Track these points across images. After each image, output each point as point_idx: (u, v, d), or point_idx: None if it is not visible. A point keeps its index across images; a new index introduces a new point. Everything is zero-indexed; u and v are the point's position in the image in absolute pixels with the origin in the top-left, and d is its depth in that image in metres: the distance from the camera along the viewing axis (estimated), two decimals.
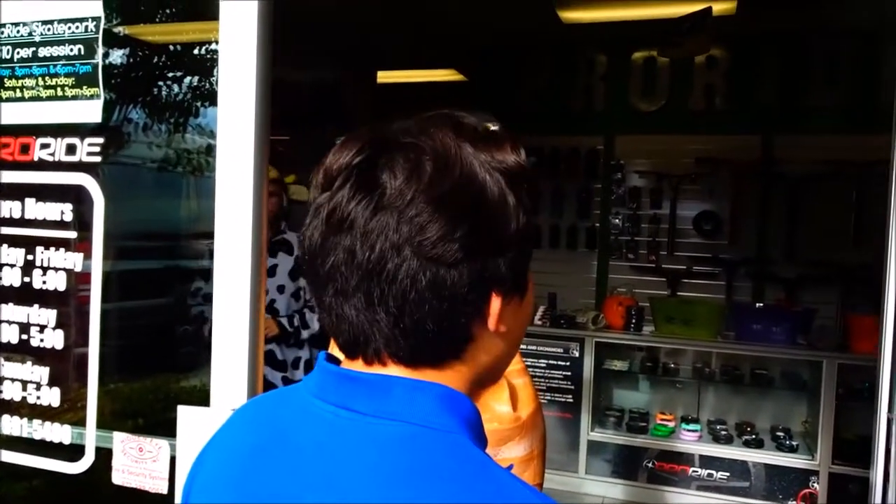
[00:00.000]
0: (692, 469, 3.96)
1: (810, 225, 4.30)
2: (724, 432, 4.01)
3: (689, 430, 4.03)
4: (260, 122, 1.35)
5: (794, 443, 3.89)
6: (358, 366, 0.63)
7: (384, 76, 5.19)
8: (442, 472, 0.55)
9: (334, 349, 0.69)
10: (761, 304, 4.20)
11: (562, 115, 4.77)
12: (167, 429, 1.40)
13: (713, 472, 3.93)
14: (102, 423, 1.47)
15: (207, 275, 3.32)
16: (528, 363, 4.08)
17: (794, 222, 4.34)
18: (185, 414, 1.27)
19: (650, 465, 4.03)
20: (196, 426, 1.30)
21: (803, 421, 4.13)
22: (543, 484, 1.60)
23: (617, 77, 4.68)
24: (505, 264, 0.61)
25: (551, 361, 4.17)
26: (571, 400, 4.10)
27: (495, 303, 0.61)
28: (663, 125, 4.57)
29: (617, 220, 4.71)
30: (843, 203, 4.21)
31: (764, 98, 4.40)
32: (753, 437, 3.96)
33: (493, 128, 1.45)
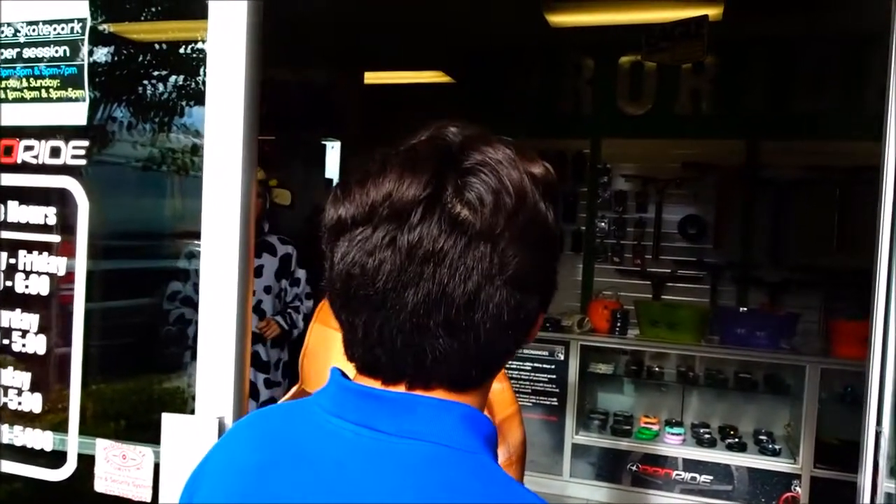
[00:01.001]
0: (676, 472, 3.98)
1: (795, 230, 4.34)
2: (707, 436, 4.03)
3: (673, 434, 4.05)
4: (248, 123, 1.33)
5: (777, 446, 3.91)
6: (395, 389, 0.62)
7: (372, 77, 5.18)
8: (467, 493, 0.56)
9: (342, 365, 0.67)
10: (745, 309, 4.23)
11: (549, 119, 4.78)
12: (150, 431, 1.37)
13: (696, 475, 3.94)
14: (84, 426, 1.44)
15: (193, 276, 3.30)
16: (514, 366, 4.08)
17: (779, 227, 4.38)
18: (170, 422, 1.24)
19: (634, 468, 4.04)
20: (181, 434, 1.28)
21: (786, 425, 4.17)
22: None
23: (604, 81, 4.69)
24: (553, 286, 0.65)
25: (536, 364, 4.17)
26: (556, 403, 4.11)
27: (540, 320, 0.65)
28: (650, 129, 4.59)
29: (603, 224, 4.72)
30: (827, 208, 4.25)
31: (750, 103, 4.44)
32: (737, 440, 3.99)
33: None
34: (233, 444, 0.70)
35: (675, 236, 4.58)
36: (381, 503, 0.56)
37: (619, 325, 4.19)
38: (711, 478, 3.92)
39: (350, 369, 0.66)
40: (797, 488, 3.77)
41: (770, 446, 3.91)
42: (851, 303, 4.14)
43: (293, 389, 1.40)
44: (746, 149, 4.44)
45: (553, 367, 4.16)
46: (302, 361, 1.40)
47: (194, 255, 3.23)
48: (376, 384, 0.62)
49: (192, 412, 1.33)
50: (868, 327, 3.81)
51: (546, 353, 4.16)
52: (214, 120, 1.32)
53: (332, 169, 5.64)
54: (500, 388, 1.53)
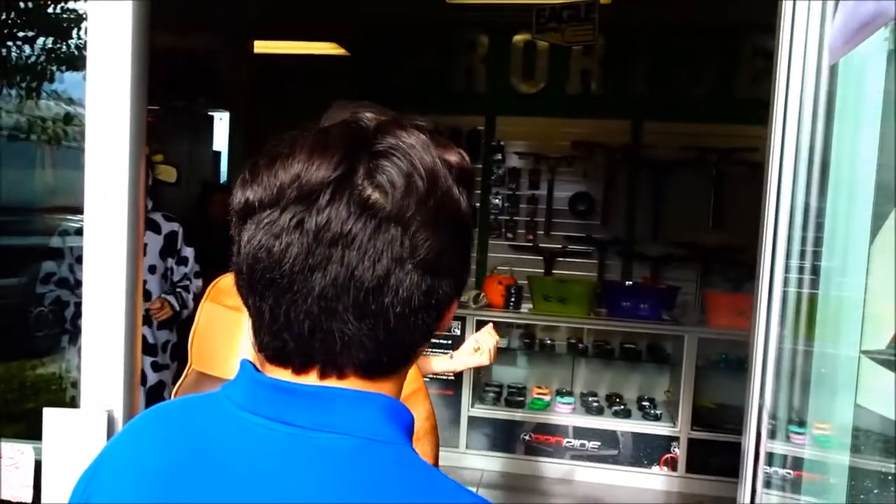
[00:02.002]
0: (566, 440, 4.14)
1: (675, 208, 4.58)
2: (595, 404, 4.22)
3: (563, 403, 4.21)
4: (136, 91, 1.23)
5: (658, 412, 4.16)
6: (307, 380, 0.60)
7: (262, 46, 4.98)
8: (392, 487, 0.55)
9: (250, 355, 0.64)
10: (630, 283, 4.44)
11: (444, 95, 4.78)
12: (25, 421, 1.26)
13: (585, 441, 4.13)
14: None
15: (69, 255, 3.07)
16: None
17: (661, 205, 4.61)
18: (53, 417, 1.15)
19: (527, 437, 4.17)
20: (66, 431, 1.19)
21: (666, 391, 4.43)
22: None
23: (498, 59, 4.74)
24: (467, 272, 0.64)
25: (433, 339, 4.19)
26: (453, 377, 4.16)
27: (453, 307, 0.63)
28: (542, 108, 4.69)
29: (497, 201, 4.80)
30: (704, 188, 4.52)
31: (634, 85, 4.62)
32: (622, 407, 4.20)
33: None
34: (134, 442, 0.65)
35: (566, 213, 4.73)
36: (302, 502, 0.54)
37: (513, 299, 4.29)
38: (599, 443, 4.11)
39: (255, 358, 0.63)
40: (676, 450, 4.03)
41: (652, 412, 4.15)
42: (725, 277, 4.44)
43: (186, 372, 1.33)
44: (631, 129, 4.63)
45: (450, 342, 4.20)
46: (192, 341, 1.33)
47: (68, 233, 3.03)
48: (286, 373, 0.60)
49: (73, 400, 1.24)
50: (739, 300, 4.08)
51: None
52: (99, 86, 1.22)
53: (221, 141, 5.40)
54: None
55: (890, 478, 1.36)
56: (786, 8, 1.29)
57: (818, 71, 1.28)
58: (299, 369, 0.60)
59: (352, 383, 0.59)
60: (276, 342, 0.60)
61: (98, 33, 1.23)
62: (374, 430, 0.58)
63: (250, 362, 0.63)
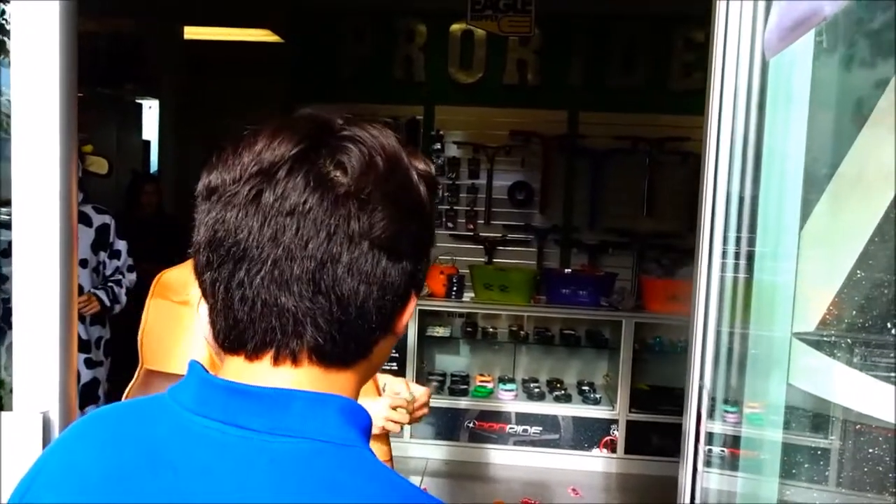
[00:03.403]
0: (509, 426, 4.20)
1: (610, 196, 4.69)
2: (537, 390, 4.29)
3: (506, 390, 4.26)
4: (66, 75, 1.18)
5: (598, 395, 4.26)
6: (261, 366, 0.59)
7: (192, 32, 4.82)
8: (351, 491, 0.54)
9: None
10: (569, 270, 4.52)
11: (382, 84, 4.75)
12: None
13: (528, 427, 4.20)
14: None
15: None
16: None
17: (596, 193, 4.70)
18: None
19: (470, 425, 4.21)
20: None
21: (605, 375, 4.54)
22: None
23: (436, 48, 4.73)
24: (425, 268, 0.64)
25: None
26: (396, 367, 4.16)
27: (413, 303, 0.63)
28: (480, 97, 4.71)
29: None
30: (638, 177, 4.63)
31: (570, 76, 4.69)
32: (563, 392, 4.29)
33: None
34: (75, 448, 0.62)
35: (505, 202, 4.77)
36: (259, 503, 0.53)
37: (455, 289, 4.31)
38: (541, 428, 4.19)
39: (207, 356, 0.62)
40: (615, 432, 4.14)
41: (591, 395, 4.25)
42: (659, 263, 4.58)
43: (138, 373, 1.30)
44: (568, 119, 4.71)
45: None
46: (141, 339, 1.30)
47: None
48: (240, 360, 0.59)
49: (0, 401, 1.19)
50: (673, 285, 4.20)
51: None
52: (24, 71, 1.16)
53: (151, 131, 5.22)
54: None
55: (819, 452, 1.43)
56: (720, 5, 1.33)
57: (751, 66, 1.33)
58: (253, 353, 0.58)
59: (307, 371, 0.58)
60: (228, 321, 0.59)
61: (22, 17, 1.17)
62: (332, 432, 0.57)
63: (200, 364, 0.61)
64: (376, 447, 1.52)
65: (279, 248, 0.56)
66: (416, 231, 0.61)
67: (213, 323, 0.61)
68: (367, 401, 1.45)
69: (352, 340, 0.59)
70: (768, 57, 1.14)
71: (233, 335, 0.59)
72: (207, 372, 0.60)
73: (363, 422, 0.60)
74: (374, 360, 0.64)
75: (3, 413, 1.17)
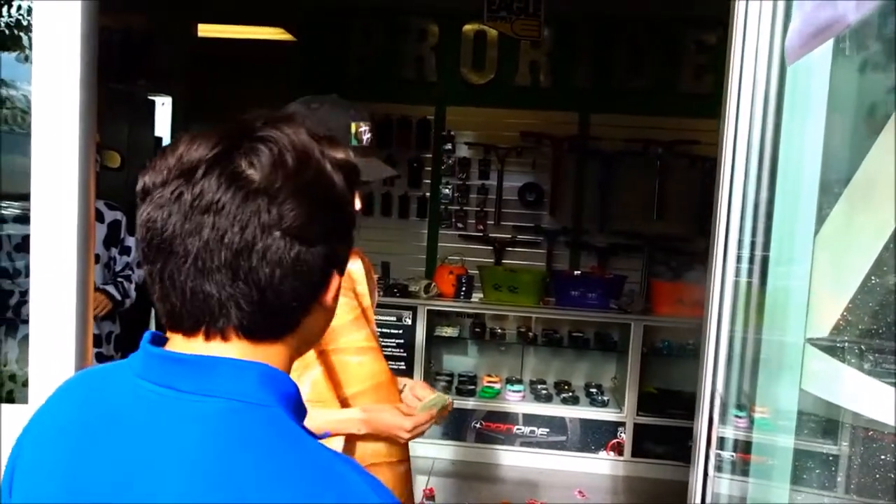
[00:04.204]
0: (516, 427, 4.20)
1: (620, 198, 4.68)
2: (544, 391, 4.29)
3: (513, 391, 4.26)
4: (87, 71, 1.19)
5: (605, 398, 4.25)
6: (196, 343, 0.67)
7: (206, 30, 4.84)
8: (257, 444, 0.62)
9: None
10: (578, 272, 4.52)
11: (394, 84, 4.75)
12: None
13: (535, 428, 4.20)
14: None
15: (6, 243, 2.94)
16: None
17: (607, 195, 4.69)
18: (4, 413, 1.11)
19: (478, 425, 4.21)
20: (11, 428, 1.14)
21: (612, 378, 4.54)
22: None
23: (448, 49, 4.73)
24: (344, 248, 0.71)
25: (385, 329, 4.19)
26: (404, 367, 4.17)
27: (335, 281, 0.70)
28: (492, 98, 4.71)
29: (447, 190, 4.80)
30: (648, 179, 4.62)
31: (581, 78, 4.68)
32: (570, 394, 4.28)
33: (361, 127, 1.43)
34: (55, 408, 0.73)
35: (515, 203, 4.77)
36: (180, 459, 0.61)
37: (463, 289, 4.31)
38: (548, 430, 4.19)
39: None
40: (622, 435, 4.13)
41: (599, 398, 4.24)
42: (668, 266, 4.57)
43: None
44: (579, 120, 4.70)
45: (401, 331, 4.21)
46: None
47: (4, 220, 2.90)
48: (179, 337, 0.68)
49: (10, 395, 1.20)
50: (682, 289, 4.18)
51: (394, 318, 4.19)
52: (46, 67, 1.17)
53: (163, 127, 5.24)
54: (357, 362, 1.51)
55: (830, 458, 1.43)
56: (739, 8, 1.33)
57: (769, 70, 1.33)
58: (188, 332, 0.67)
59: (236, 346, 0.67)
60: (166, 306, 0.67)
61: (45, 16, 1.18)
62: (250, 394, 0.64)
63: (151, 333, 0.70)
64: (388, 449, 1.52)
65: (199, 242, 0.63)
66: (329, 217, 0.68)
67: (156, 306, 0.69)
68: (392, 415, 1.42)
69: (275, 318, 0.67)
70: (789, 63, 1.14)
71: (172, 318, 0.68)
72: (154, 343, 0.69)
73: (283, 388, 0.67)
74: (306, 334, 0.71)
75: (21, 406, 1.18)
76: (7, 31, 3.82)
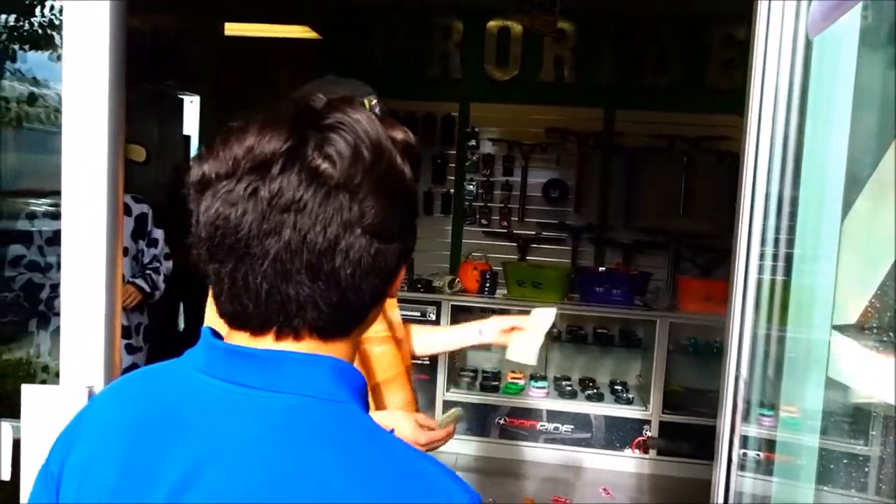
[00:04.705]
0: (540, 423, 4.20)
1: (646, 194, 4.64)
2: (568, 388, 4.27)
3: (537, 388, 4.26)
4: (115, 70, 1.21)
5: (630, 395, 4.23)
6: (265, 342, 0.64)
7: (233, 29, 4.89)
8: (335, 441, 0.59)
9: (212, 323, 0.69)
10: (603, 269, 4.49)
11: (418, 81, 4.76)
12: None
13: (559, 425, 4.19)
14: None
15: (37, 238, 3.01)
16: None
17: (632, 191, 4.66)
18: (32, 394, 1.14)
19: (501, 421, 4.22)
20: (44, 407, 1.18)
21: (637, 375, 4.51)
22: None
23: (472, 45, 4.73)
24: (412, 242, 0.69)
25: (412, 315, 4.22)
26: (428, 362, 4.18)
27: (401, 273, 0.69)
28: (516, 95, 4.70)
29: (471, 187, 4.81)
30: (674, 175, 4.58)
31: (606, 73, 4.65)
32: (595, 391, 4.26)
33: (373, 101, 1.43)
34: (106, 407, 0.71)
35: (539, 199, 4.76)
36: (251, 454, 0.58)
37: (487, 285, 4.31)
38: (572, 427, 4.18)
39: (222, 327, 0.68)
40: (647, 432, 4.11)
41: (624, 395, 4.22)
42: (695, 262, 4.52)
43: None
44: (604, 117, 4.67)
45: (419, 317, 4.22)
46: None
47: (36, 216, 2.97)
48: (245, 336, 0.65)
49: (43, 384, 1.23)
50: (709, 286, 4.13)
51: (418, 313, 4.21)
52: (76, 65, 1.19)
53: (191, 125, 5.31)
54: (381, 352, 1.53)
55: (861, 458, 1.41)
56: (761, 3, 1.32)
57: (792, 64, 1.31)
58: (257, 332, 0.64)
59: (307, 345, 0.64)
60: (234, 306, 0.64)
61: (74, 15, 1.20)
62: (321, 389, 0.62)
63: (211, 329, 0.68)
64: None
65: (280, 243, 0.60)
66: (403, 213, 0.66)
67: (219, 306, 0.66)
68: (410, 428, 1.46)
69: (350, 316, 0.65)
70: (811, 36, 1.13)
71: (238, 319, 0.65)
72: (215, 337, 0.67)
73: (354, 381, 0.66)
74: (366, 326, 0.70)
75: (52, 387, 1.21)
76: (41, 31, 3.90)
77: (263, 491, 0.57)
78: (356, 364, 1.50)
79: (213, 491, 0.58)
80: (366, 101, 1.45)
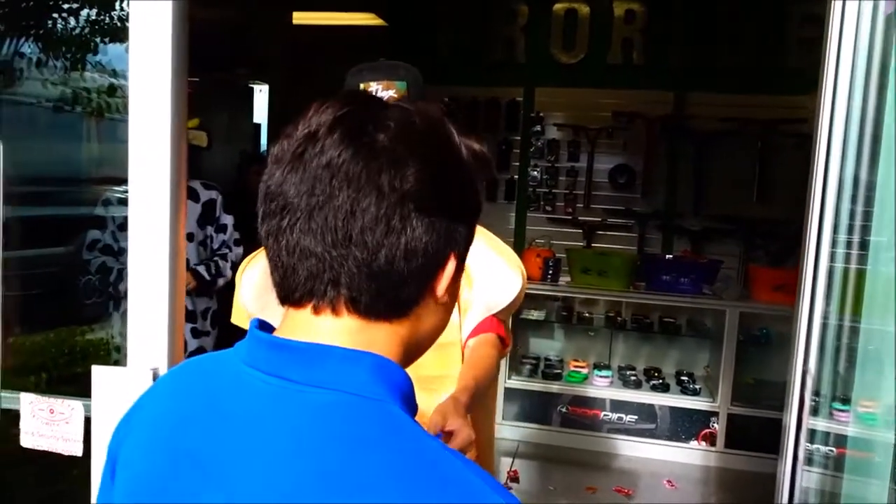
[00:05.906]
0: (603, 413, 4.14)
1: (717, 180, 4.48)
2: (633, 378, 4.19)
3: (601, 377, 4.19)
4: (177, 61, 1.25)
5: (697, 386, 4.12)
6: (305, 315, 0.64)
7: (301, 17, 4.97)
8: (371, 439, 0.58)
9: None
10: (670, 256, 4.37)
11: (482, 66, 4.73)
12: (75, 385, 1.31)
13: (623, 415, 4.12)
14: (3, 380, 1.37)
15: (111, 223, 3.14)
16: None
17: (702, 177, 4.51)
18: (101, 375, 1.19)
19: (563, 409, 4.18)
20: (112, 387, 1.23)
21: (705, 366, 4.38)
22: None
23: (538, 28, 4.66)
24: (464, 232, 0.66)
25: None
26: None
27: (450, 265, 0.65)
28: (582, 78, 4.60)
29: (535, 173, 4.75)
30: (748, 160, 4.40)
31: (676, 55, 4.50)
32: (660, 381, 4.17)
33: (372, 87, 1.42)
34: (160, 393, 0.72)
35: (605, 185, 4.66)
36: (287, 449, 0.58)
37: (551, 272, 4.27)
38: (636, 417, 4.10)
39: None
40: (715, 425, 3.99)
41: (691, 386, 4.11)
42: (768, 251, 4.35)
43: None
44: (674, 100, 4.53)
45: None
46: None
47: (111, 203, 3.10)
48: (290, 312, 0.65)
49: (117, 364, 1.28)
50: (783, 275, 3.98)
51: None
52: (141, 55, 1.23)
53: (260, 113, 5.44)
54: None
55: None
56: None
57: (871, 42, 1.23)
58: (296, 303, 0.64)
59: (347, 323, 0.63)
60: (278, 273, 0.64)
61: (139, 15, 1.24)
62: (361, 386, 0.61)
63: (259, 320, 0.68)
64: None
65: (314, 199, 0.60)
66: (451, 189, 0.64)
67: (273, 276, 0.66)
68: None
69: (386, 292, 0.63)
70: (887, 11, 1.05)
71: (283, 287, 0.65)
72: (261, 329, 0.66)
73: (396, 379, 0.63)
74: (419, 326, 0.67)
75: (119, 368, 1.26)
76: (119, 24, 4.06)
77: (303, 489, 0.56)
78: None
79: (251, 486, 0.58)
80: (362, 86, 1.43)
